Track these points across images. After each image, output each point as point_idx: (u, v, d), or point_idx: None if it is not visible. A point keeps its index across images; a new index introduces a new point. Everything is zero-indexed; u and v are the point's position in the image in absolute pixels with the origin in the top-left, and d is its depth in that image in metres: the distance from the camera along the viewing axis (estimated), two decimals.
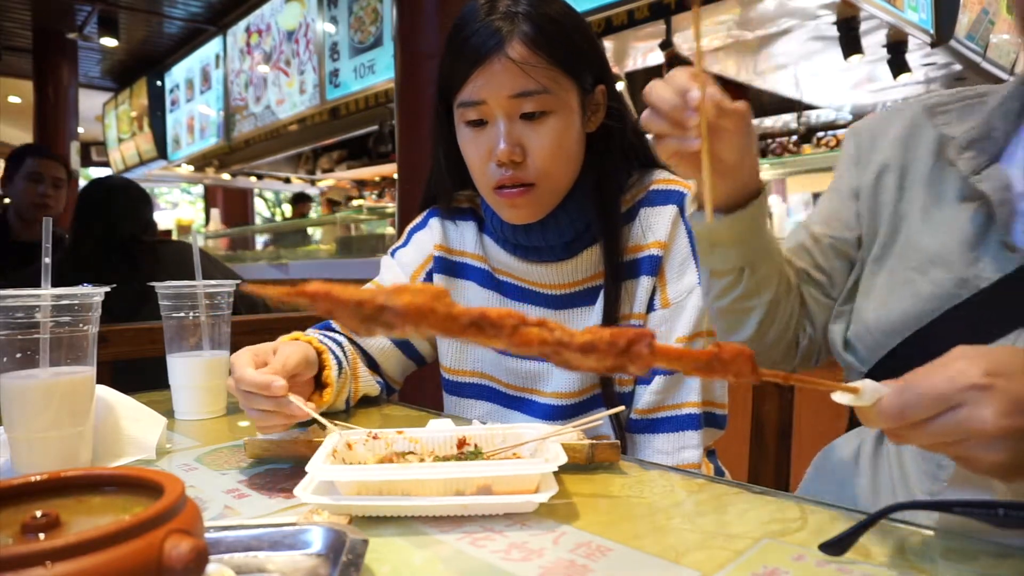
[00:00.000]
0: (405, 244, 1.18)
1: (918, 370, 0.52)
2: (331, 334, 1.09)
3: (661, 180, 1.04)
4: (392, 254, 1.18)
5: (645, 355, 0.44)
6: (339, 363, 1.00)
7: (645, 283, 1.00)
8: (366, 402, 1.11)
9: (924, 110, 0.81)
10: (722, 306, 0.83)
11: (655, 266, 0.99)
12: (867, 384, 0.52)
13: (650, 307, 1.00)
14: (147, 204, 2.12)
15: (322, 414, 0.83)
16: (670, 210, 1.00)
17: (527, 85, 0.91)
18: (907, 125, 0.82)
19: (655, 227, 1.01)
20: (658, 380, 0.98)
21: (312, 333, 1.04)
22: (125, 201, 2.01)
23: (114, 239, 1.93)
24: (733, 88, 4.56)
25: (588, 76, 0.98)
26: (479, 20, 0.93)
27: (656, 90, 0.67)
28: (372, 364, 1.13)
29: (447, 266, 1.13)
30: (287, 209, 11.63)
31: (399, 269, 1.15)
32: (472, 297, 1.11)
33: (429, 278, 1.13)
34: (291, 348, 0.90)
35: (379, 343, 1.13)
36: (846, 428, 0.90)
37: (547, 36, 0.92)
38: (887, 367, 0.77)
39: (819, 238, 0.87)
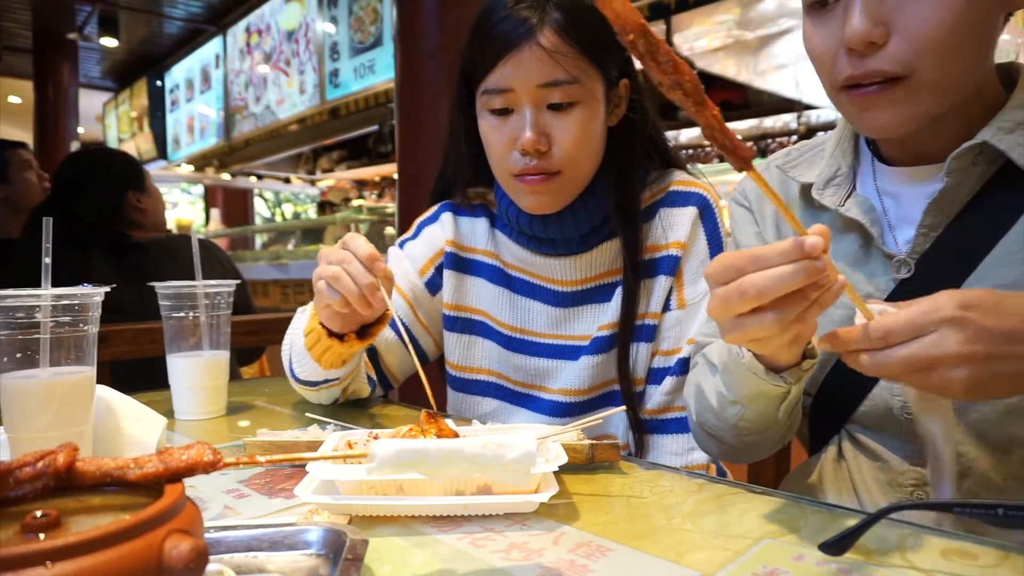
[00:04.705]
0: (415, 236, 1.15)
1: (903, 303, 0.57)
2: None
3: (681, 181, 1.03)
4: (401, 245, 1.16)
5: None
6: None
7: (663, 282, 0.99)
8: (366, 402, 1.10)
9: (777, 168, 0.90)
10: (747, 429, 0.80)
11: (673, 266, 0.99)
12: (874, 307, 0.59)
13: (666, 307, 1.00)
14: (124, 186, 1.82)
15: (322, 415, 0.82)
16: (690, 211, 1.00)
17: (557, 74, 0.90)
18: (775, 183, 0.90)
19: (675, 227, 1.00)
20: (668, 380, 0.98)
21: None
22: (83, 186, 1.76)
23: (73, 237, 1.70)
24: (734, 88, 4.54)
25: (614, 68, 0.98)
26: (508, 7, 0.92)
27: (764, 279, 0.53)
28: (373, 355, 1.10)
29: (458, 262, 1.11)
30: (287, 209, 11.62)
31: (408, 262, 1.13)
32: (482, 294, 1.10)
33: (439, 272, 1.12)
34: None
35: (385, 335, 1.09)
36: (808, 453, 0.91)
37: (578, 25, 0.91)
38: (822, 401, 0.83)
39: None
